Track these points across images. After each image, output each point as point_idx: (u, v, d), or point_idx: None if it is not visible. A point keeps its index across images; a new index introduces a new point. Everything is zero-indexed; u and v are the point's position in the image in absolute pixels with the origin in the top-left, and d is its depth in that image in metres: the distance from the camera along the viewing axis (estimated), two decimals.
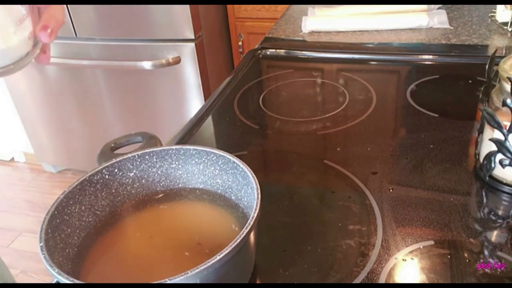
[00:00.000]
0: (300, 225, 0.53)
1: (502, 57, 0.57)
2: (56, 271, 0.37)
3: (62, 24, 0.42)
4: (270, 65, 0.97)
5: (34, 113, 2.03)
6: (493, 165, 0.55)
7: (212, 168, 0.52)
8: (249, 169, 0.47)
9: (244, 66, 0.94)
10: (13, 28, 0.38)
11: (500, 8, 1.00)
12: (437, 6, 1.10)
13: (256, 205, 0.42)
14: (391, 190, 0.57)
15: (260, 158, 0.69)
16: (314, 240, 0.51)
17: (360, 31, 1.05)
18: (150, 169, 0.53)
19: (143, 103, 1.79)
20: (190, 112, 1.73)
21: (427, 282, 0.45)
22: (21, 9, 0.38)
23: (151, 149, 0.52)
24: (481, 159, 0.57)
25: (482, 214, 0.53)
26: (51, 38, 0.40)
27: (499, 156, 0.54)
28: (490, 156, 0.55)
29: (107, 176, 0.50)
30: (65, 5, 0.45)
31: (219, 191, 0.52)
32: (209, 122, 0.77)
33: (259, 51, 1.00)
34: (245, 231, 0.39)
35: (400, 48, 0.96)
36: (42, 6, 0.41)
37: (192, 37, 1.60)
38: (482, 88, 0.63)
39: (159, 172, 0.53)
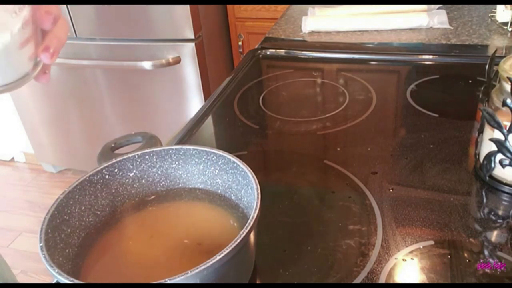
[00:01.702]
0: (300, 225, 0.53)
1: (502, 57, 0.57)
2: (56, 271, 0.37)
3: (64, 43, 0.41)
4: (270, 65, 0.97)
5: (34, 113, 2.03)
6: (493, 165, 0.55)
7: (212, 168, 0.52)
8: (249, 169, 0.47)
9: (244, 66, 0.94)
10: (16, 50, 0.38)
11: (500, 8, 1.00)
12: (437, 6, 1.10)
13: (256, 205, 0.42)
14: (391, 190, 0.57)
15: (260, 158, 0.69)
16: (314, 240, 0.51)
17: (360, 31, 1.05)
18: (150, 169, 0.53)
19: (143, 103, 1.79)
20: (190, 112, 1.73)
21: (427, 282, 0.45)
22: (25, 31, 0.38)
23: (151, 149, 0.52)
24: (481, 159, 0.57)
25: (482, 214, 0.53)
26: (52, 59, 0.40)
27: (499, 156, 0.54)
28: (490, 156, 0.55)
29: (107, 176, 0.50)
30: (68, 24, 0.44)
31: (219, 191, 0.52)
32: (209, 122, 0.77)
33: (259, 51, 1.00)
34: (245, 231, 0.39)
35: (400, 48, 0.96)
36: (46, 25, 0.40)
37: (192, 37, 1.60)
38: (482, 88, 0.63)
39: (159, 172, 0.53)
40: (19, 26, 0.37)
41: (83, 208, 0.48)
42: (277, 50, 1.00)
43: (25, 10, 0.37)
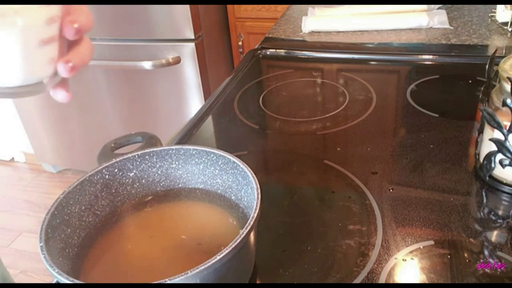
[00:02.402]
0: (300, 225, 0.53)
1: (502, 57, 0.57)
2: (56, 271, 0.37)
3: (86, 64, 0.41)
4: (270, 65, 0.97)
5: (34, 113, 2.03)
6: (493, 165, 0.55)
7: (212, 168, 0.52)
8: (249, 169, 0.47)
9: (244, 66, 0.94)
10: (35, 45, 0.36)
11: (500, 8, 1.00)
12: (437, 6, 1.10)
13: (256, 205, 0.42)
14: (391, 190, 0.57)
15: (260, 158, 0.69)
16: (314, 240, 0.51)
17: (360, 31, 1.05)
18: (150, 169, 0.53)
19: (143, 103, 1.79)
20: (190, 112, 1.73)
21: (427, 282, 0.45)
22: (49, 28, 0.36)
23: (151, 149, 0.52)
24: (481, 159, 0.57)
25: (482, 214, 0.53)
26: (70, 73, 0.38)
27: (499, 156, 0.54)
28: (490, 156, 0.55)
29: (107, 176, 0.50)
30: (93, 48, 0.43)
31: (219, 191, 0.52)
32: (209, 122, 0.77)
33: (259, 51, 1.00)
34: (245, 231, 0.39)
35: (400, 48, 0.96)
36: (68, 33, 0.39)
37: (192, 37, 1.60)
38: (482, 88, 0.63)
39: (159, 172, 0.53)
40: (44, 18, 0.35)
41: (83, 208, 0.47)
42: (277, 50, 1.00)
43: (55, 7, 0.36)
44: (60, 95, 0.41)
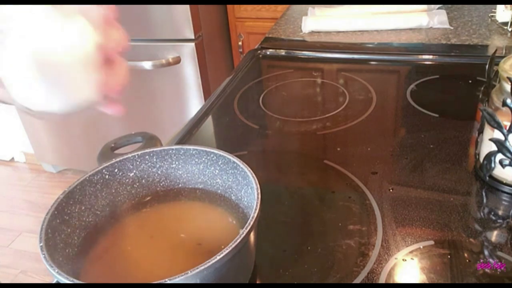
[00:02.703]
0: (300, 225, 0.53)
1: (502, 57, 0.57)
2: (56, 271, 0.37)
3: (125, 85, 0.40)
4: (270, 65, 0.97)
5: None
6: (493, 165, 0.55)
7: (212, 168, 0.52)
8: (249, 169, 0.47)
9: (244, 66, 0.94)
10: (77, 67, 0.34)
11: (500, 8, 1.00)
12: (437, 6, 1.10)
13: (256, 205, 0.42)
14: (391, 190, 0.57)
15: (260, 158, 0.69)
16: (314, 240, 0.51)
17: (360, 31, 1.05)
18: (150, 169, 0.53)
19: (143, 103, 1.79)
20: (190, 112, 1.73)
21: (427, 282, 0.45)
22: (94, 54, 0.35)
23: (151, 149, 0.52)
24: (481, 159, 0.57)
25: (482, 214, 0.53)
26: (117, 96, 0.38)
27: (499, 156, 0.54)
28: (490, 156, 0.55)
29: (107, 176, 0.50)
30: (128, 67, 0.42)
31: (219, 191, 0.52)
32: (209, 122, 0.77)
33: (259, 51, 1.00)
34: (245, 231, 0.39)
35: (400, 48, 0.96)
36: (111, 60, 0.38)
37: (192, 37, 1.60)
38: (482, 88, 0.63)
39: (159, 172, 0.53)
40: (92, 41, 0.35)
41: (83, 208, 0.47)
42: (277, 50, 1.00)
43: (93, 27, 0.35)
44: (114, 111, 0.41)
